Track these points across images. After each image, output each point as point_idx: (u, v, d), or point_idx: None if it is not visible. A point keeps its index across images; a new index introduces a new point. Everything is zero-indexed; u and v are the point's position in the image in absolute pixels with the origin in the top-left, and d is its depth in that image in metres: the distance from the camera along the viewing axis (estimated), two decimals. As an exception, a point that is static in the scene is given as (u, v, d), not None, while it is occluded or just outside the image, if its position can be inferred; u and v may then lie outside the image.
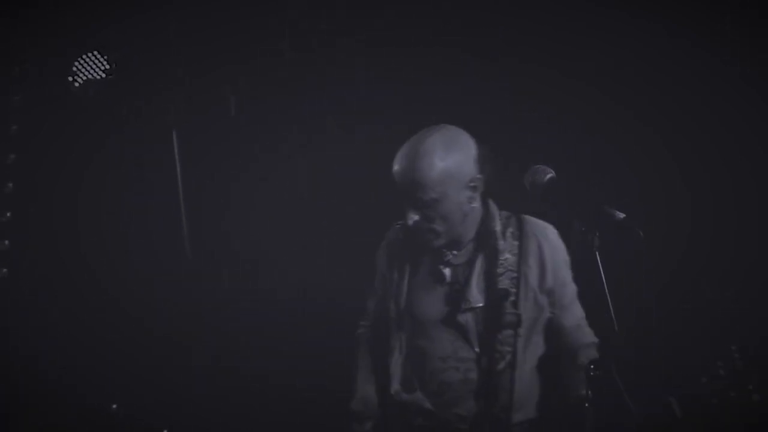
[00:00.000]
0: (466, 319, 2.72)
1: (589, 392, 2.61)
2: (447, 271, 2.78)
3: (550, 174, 2.57)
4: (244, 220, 4.40)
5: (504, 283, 2.69)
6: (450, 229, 2.70)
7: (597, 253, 2.37)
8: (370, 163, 3.64)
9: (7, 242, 4.33)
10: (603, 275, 2.35)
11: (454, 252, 2.77)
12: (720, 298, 3.61)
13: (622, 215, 2.36)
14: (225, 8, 4.31)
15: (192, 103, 4.40)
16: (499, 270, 2.71)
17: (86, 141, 4.34)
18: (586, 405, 2.63)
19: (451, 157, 2.65)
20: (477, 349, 2.70)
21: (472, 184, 2.69)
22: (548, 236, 2.79)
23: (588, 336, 2.78)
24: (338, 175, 4.23)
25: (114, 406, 4.15)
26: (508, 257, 2.73)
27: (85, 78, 4.29)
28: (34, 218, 4.37)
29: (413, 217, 2.66)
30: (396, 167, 2.68)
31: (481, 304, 2.71)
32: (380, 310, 2.92)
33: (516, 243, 2.75)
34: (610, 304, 2.34)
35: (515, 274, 2.71)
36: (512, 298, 2.68)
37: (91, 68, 4.31)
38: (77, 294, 4.23)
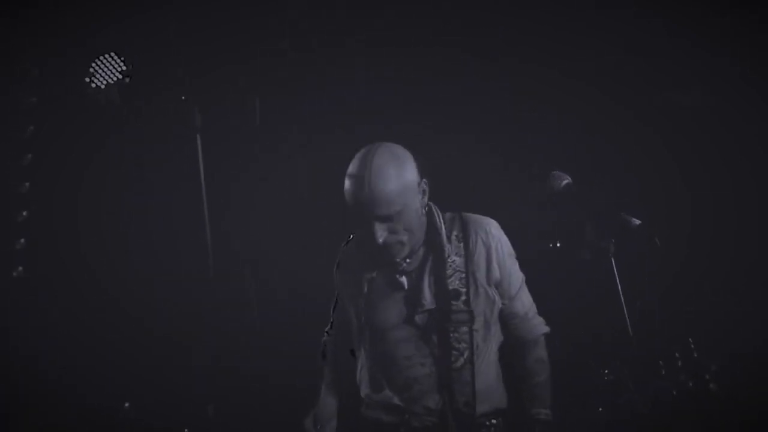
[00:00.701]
0: (423, 320, 2.80)
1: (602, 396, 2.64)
2: (404, 280, 2.86)
3: (567, 180, 2.61)
4: (244, 220, 4.40)
5: (454, 284, 2.78)
6: (412, 237, 2.78)
7: (612, 260, 2.40)
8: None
9: (23, 241, 4.36)
10: (618, 281, 2.38)
11: (408, 260, 2.85)
12: (722, 300, 3.61)
13: (638, 222, 2.38)
14: (225, 8, 4.31)
15: (192, 103, 4.40)
16: (449, 272, 2.80)
17: (96, 142, 4.35)
18: (600, 410, 2.64)
19: (402, 168, 2.73)
20: (436, 349, 2.78)
21: (422, 188, 2.78)
22: (491, 231, 2.85)
23: (538, 328, 2.85)
24: (338, 175, 4.22)
25: (126, 404, 4.16)
26: (455, 259, 2.81)
27: (105, 81, 4.31)
28: (34, 218, 4.38)
29: (383, 234, 2.73)
30: (353, 190, 2.74)
31: (434, 306, 2.80)
32: (341, 321, 3.02)
33: (461, 245, 2.83)
34: (625, 309, 2.38)
35: (464, 274, 2.80)
36: (463, 297, 2.78)
37: (109, 70, 4.33)
38: (77, 294, 4.23)
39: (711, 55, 3.70)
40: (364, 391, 2.90)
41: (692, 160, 3.70)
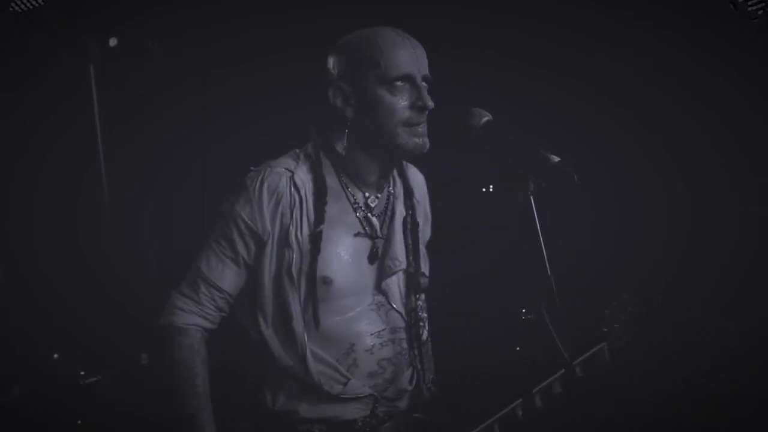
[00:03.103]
0: (390, 284, 2.35)
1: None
2: (375, 221, 2.34)
3: (487, 117, 2.43)
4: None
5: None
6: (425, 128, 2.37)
7: (531, 197, 2.22)
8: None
9: None
10: (537, 219, 2.21)
11: (378, 195, 2.38)
12: (721, 300, 3.62)
13: (557, 159, 2.23)
14: (224, 8, 4.31)
15: (190, 103, 4.40)
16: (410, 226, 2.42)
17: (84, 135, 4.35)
18: (518, 349, 2.52)
19: None
20: (406, 320, 2.35)
21: None
22: (424, 183, 2.58)
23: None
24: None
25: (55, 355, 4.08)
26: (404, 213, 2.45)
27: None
28: (33, 216, 4.38)
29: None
30: (397, 42, 2.41)
31: (404, 267, 2.38)
32: (239, 288, 2.40)
33: (410, 201, 2.46)
34: (543, 248, 2.20)
35: (418, 231, 2.44)
36: (422, 259, 2.42)
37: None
38: (77, 293, 4.23)
39: (711, 55, 3.71)
40: (314, 380, 2.29)
41: (692, 160, 3.71)
